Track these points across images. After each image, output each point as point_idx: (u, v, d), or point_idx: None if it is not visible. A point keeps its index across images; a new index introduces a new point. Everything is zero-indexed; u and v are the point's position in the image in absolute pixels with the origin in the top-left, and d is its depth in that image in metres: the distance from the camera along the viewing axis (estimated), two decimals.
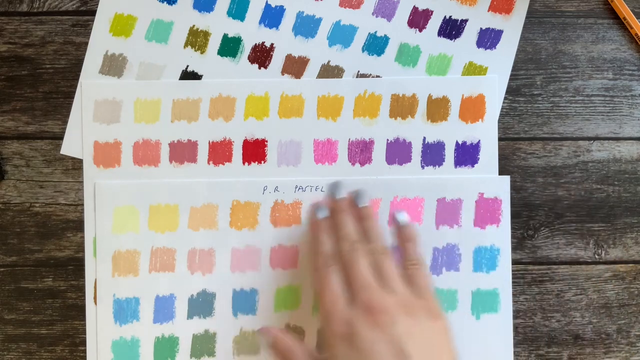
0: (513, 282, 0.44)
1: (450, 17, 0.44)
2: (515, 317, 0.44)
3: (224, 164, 0.44)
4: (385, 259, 0.37)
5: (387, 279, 0.36)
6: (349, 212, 0.39)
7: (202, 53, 0.44)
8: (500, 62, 0.44)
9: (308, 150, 0.44)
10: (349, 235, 0.37)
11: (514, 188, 0.44)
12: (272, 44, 0.44)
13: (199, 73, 0.44)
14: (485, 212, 0.44)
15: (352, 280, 0.36)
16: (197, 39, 0.44)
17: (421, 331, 0.34)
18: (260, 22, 0.44)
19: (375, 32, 0.44)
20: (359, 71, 0.44)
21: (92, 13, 0.44)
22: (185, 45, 0.44)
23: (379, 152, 0.44)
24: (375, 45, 0.44)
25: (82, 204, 0.43)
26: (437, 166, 0.44)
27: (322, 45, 0.44)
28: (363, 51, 0.44)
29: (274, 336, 0.37)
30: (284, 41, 0.44)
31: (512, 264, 0.44)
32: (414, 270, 0.37)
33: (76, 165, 0.44)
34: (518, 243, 0.44)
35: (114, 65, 0.44)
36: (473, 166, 0.44)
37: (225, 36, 0.44)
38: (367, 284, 0.35)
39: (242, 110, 0.44)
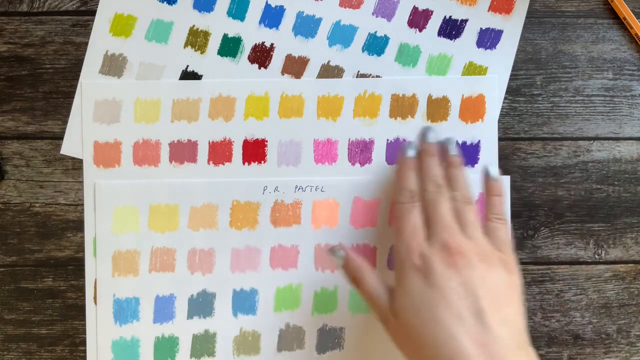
0: None
1: (450, 17, 0.44)
2: None
3: (224, 164, 0.44)
4: (468, 208, 0.37)
5: (468, 225, 0.36)
6: (438, 157, 0.39)
7: (202, 53, 0.44)
8: (500, 62, 0.44)
9: (308, 150, 0.44)
10: (435, 177, 0.38)
11: (514, 188, 0.44)
12: (272, 44, 0.44)
13: (199, 73, 0.44)
14: None
15: (434, 220, 0.36)
16: (197, 39, 0.44)
17: (494, 280, 0.34)
18: (260, 22, 0.44)
19: (375, 32, 0.44)
20: (359, 71, 0.44)
21: (92, 13, 0.44)
22: (185, 45, 0.44)
23: (379, 152, 0.44)
24: (375, 45, 0.44)
25: (82, 204, 0.43)
26: None
27: (322, 45, 0.44)
28: (363, 51, 0.44)
29: (347, 256, 0.38)
30: (284, 41, 0.44)
31: None
32: (497, 223, 0.37)
33: (76, 165, 0.44)
34: (518, 243, 0.44)
35: (114, 65, 0.44)
36: (473, 166, 0.44)
37: (225, 36, 0.44)
38: (449, 225, 0.36)
39: (242, 110, 0.44)
